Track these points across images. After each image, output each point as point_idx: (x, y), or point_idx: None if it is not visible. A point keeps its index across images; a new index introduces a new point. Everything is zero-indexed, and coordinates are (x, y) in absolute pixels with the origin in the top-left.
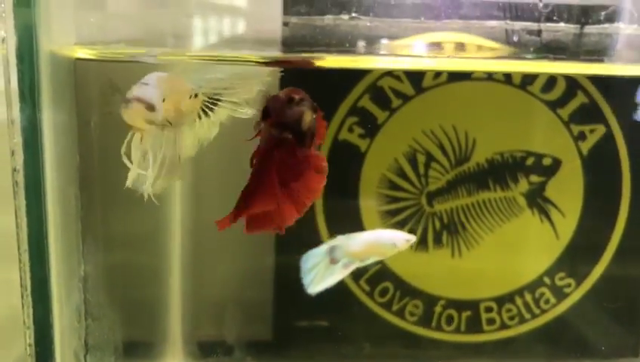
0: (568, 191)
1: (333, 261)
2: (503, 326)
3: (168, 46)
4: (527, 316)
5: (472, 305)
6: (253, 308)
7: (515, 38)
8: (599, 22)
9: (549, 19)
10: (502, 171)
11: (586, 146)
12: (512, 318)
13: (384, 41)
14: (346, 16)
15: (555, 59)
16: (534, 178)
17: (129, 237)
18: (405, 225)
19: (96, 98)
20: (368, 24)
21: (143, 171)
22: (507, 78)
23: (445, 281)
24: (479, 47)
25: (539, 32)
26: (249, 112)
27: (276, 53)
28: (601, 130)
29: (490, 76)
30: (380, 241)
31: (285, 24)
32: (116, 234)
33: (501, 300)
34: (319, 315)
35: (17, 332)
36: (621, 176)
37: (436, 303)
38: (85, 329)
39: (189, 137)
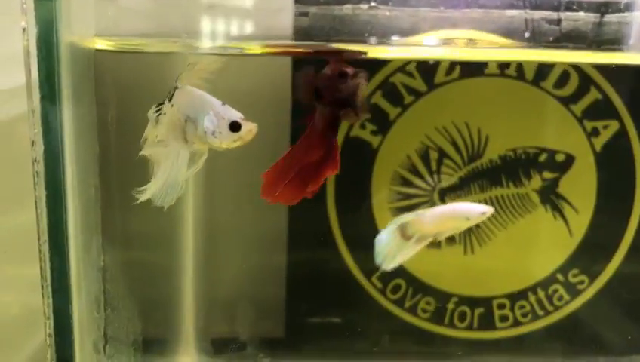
0: (581, 188)
1: (406, 237)
2: (516, 323)
3: (181, 40)
4: (541, 313)
5: (485, 302)
6: (266, 305)
7: (527, 29)
8: (619, 10)
9: (568, 8)
10: (515, 167)
11: (599, 142)
12: (525, 315)
13: (395, 38)
14: (365, 6)
15: (575, 48)
16: (547, 174)
17: (143, 235)
18: None
19: (116, 90)
20: (387, 13)
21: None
22: (519, 73)
23: (458, 278)
24: (490, 44)
25: (558, 21)
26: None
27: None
28: (614, 125)
29: (502, 72)
30: (453, 215)
31: (305, 14)
32: (131, 232)
33: (514, 297)
34: (331, 312)
35: (30, 327)
36: (635, 172)
37: (449, 300)
38: (104, 319)
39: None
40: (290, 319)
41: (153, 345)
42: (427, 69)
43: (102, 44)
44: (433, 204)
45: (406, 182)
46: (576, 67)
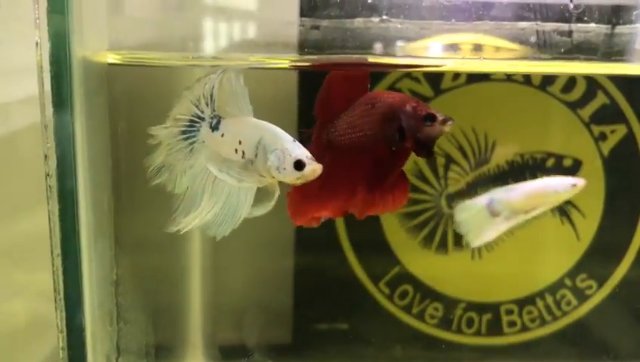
0: (589, 192)
1: (494, 214)
2: (524, 329)
3: (189, 50)
4: (548, 318)
5: (493, 308)
6: (273, 311)
7: (538, 40)
8: (630, 22)
9: (579, 19)
10: (522, 173)
11: (606, 147)
12: (532, 320)
13: (400, 43)
14: (376, 19)
15: (586, 59)
16: None
17: (150, 242)
18: (424, 227)
19: (128, 103)
20: (399, 26)
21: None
22: (527, 78)
23: (465, 284)
24: (497, 49)
25: (570, 33)
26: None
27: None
28: (622, 130)
29: (509, 77)
30: (544, 191)
31: (316, 27)
32: (142, 242)
33: (522, 302)
34: (339, 318)
35: (39, 335)
36: None
37: (456, 306)
38: (117, 332)
39: None
40: (298, 325)
41: (162, 352)
42: (433, 74)
43: (114, 58)
44: (440, 211)
45: (413, 188)
46: None
